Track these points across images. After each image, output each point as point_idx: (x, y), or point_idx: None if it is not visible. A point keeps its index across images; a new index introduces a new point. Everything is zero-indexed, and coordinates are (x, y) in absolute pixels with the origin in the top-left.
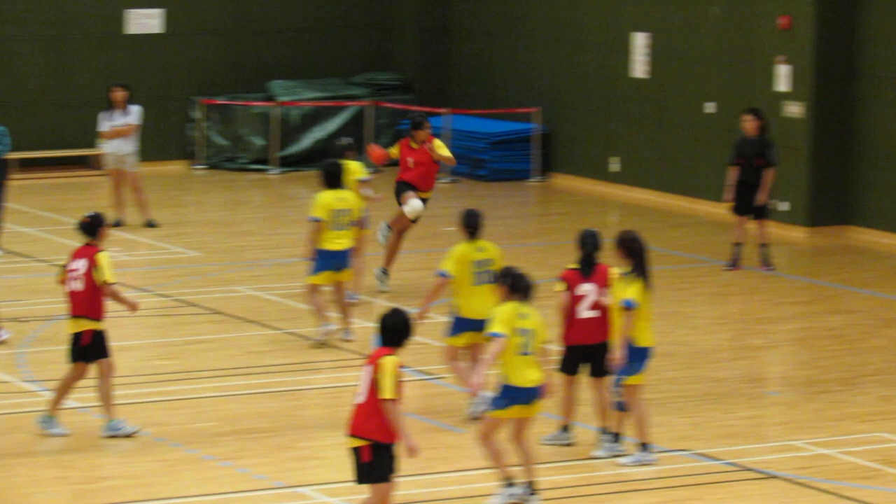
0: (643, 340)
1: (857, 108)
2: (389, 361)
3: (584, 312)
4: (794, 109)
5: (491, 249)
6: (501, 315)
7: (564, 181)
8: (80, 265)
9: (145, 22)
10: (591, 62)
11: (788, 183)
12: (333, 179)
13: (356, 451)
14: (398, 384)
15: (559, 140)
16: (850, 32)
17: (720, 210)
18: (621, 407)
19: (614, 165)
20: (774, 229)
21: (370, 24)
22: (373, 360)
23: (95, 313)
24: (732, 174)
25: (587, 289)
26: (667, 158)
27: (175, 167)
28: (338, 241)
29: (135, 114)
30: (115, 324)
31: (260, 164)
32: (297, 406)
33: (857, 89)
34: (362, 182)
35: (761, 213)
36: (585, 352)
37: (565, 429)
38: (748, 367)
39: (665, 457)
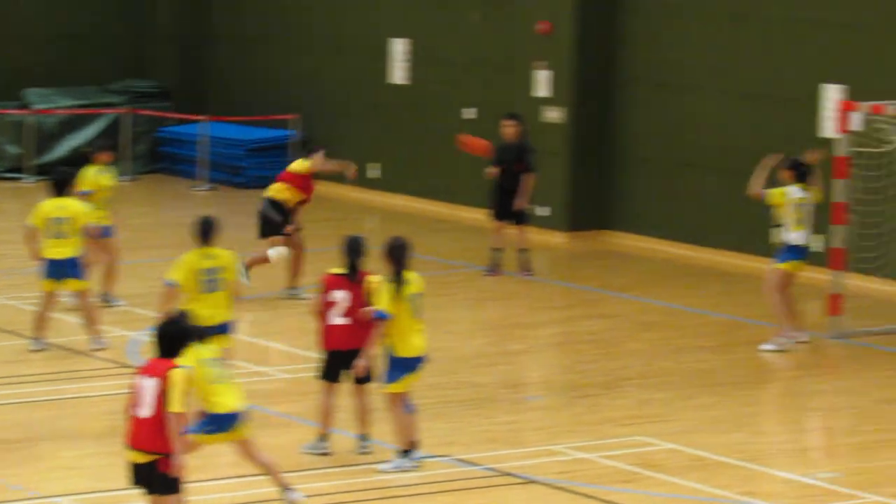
0: (403, 350)
1: (617, 113)
2: (178, 374)
3: (336, 319)
4: (553, 115)
5: (223, 257)
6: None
7: (324, 188)
8: None
9: None
10: (350, 68)
11: (549, 188)
12: (58, 187)
13: (151, 464)
14: (185, 397)
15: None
16: (610, 38)
17: (480, 216)
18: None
19: (374, 171)
20: (535, 234)
21: (127, 30)
22: (157, 373)
23: None
24: (494, 177)
25: (340, 296)
26: (426, 164)
27: None
28: (57, 250)
29: None
30: None
31: (14, 173)
32: (53, 416)
33: (616, 95)
34: (83, 195)
35: (521, 219)
36: (344, 358)
37: (322, 438)
38: (508, 373)
39: (427, 463)
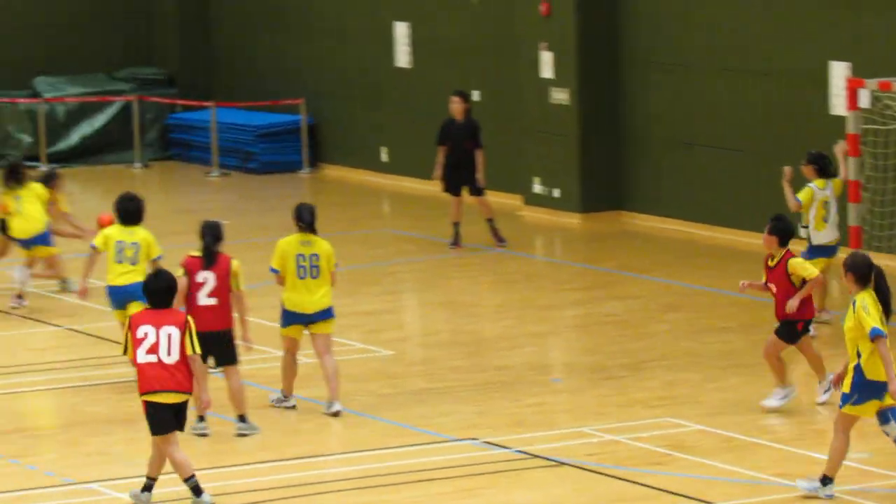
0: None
1: (624, 93)
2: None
3: (203, 300)
4: (560, 96)
5: (139, 233)
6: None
7: (335, 172)
8: None
9: None
10: (355, 53)
11: (559, 169)
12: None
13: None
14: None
15: (327, 131)
16: (613, 18)
17: (491, 198)
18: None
19: (384, 155)
20: (548, 216)
21: (131, 17)
22: (173, 321)
23: None
24: (441, 154)
25: (206, 276)
26: (433, 147)
27: None
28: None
29: None
30: None
31: (30, 161)
32: (85, 402)
33: (622, 74)
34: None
35: (478, 192)
36: (208, 339)
37: (201, 419)
38: (532, 355)
39: (454, 446)
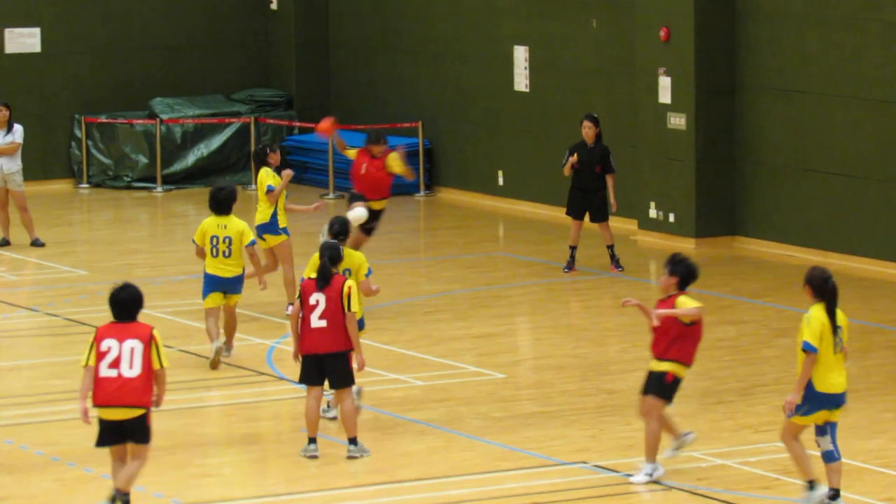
0: None
1: (740, 119)
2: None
3: (315, 322)
4: (677, 121)
5: (232, 225)
6: None
7: (450, 195)
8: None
9: (24, 41)
10: (473, 76)
11: (674, 194)
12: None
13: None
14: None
15: (443, 154)
16: (731, 43)
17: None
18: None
19: (500, 179)
20: (663, 240)
21: (249, 39)
22: (136, 334)
23: None
24: (569, 166)
25: (318, 297)
26: (550, 171)
27: (59, 186)
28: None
29: (18, 132)
30: (4, 344)
31: (145, 183)
32: (192, 423)
33: (738, 101)
34: (269, 192)
35: (603, 218)
36: (321, 361)
37: (312, 441)
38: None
39: (564, 469)
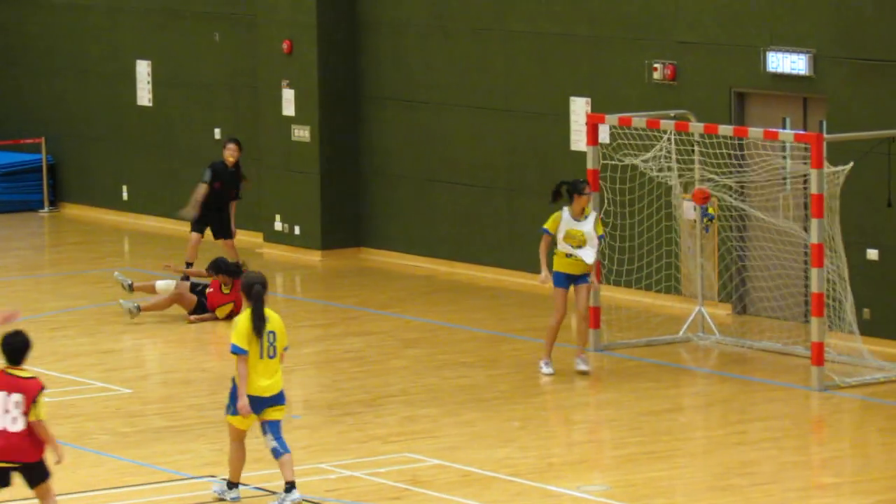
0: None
1: (365, 131)
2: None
3: None
4: (301, 133)
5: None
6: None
7: (75, 211)
8: None
9: None
10: (96, 91)
11: (300, 207)
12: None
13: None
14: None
15: (67, 170)
16: (353, 56)
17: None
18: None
19: (125, 194)
20: (289, 253)
21: None
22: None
23: None
24: (202, 192)
25: None
26: (175, 186)
27: None
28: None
29: None
30: None
31: None
32: None
33: (363, 112)
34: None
35: (229, 236)
36: None
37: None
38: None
39: (192, 483)
